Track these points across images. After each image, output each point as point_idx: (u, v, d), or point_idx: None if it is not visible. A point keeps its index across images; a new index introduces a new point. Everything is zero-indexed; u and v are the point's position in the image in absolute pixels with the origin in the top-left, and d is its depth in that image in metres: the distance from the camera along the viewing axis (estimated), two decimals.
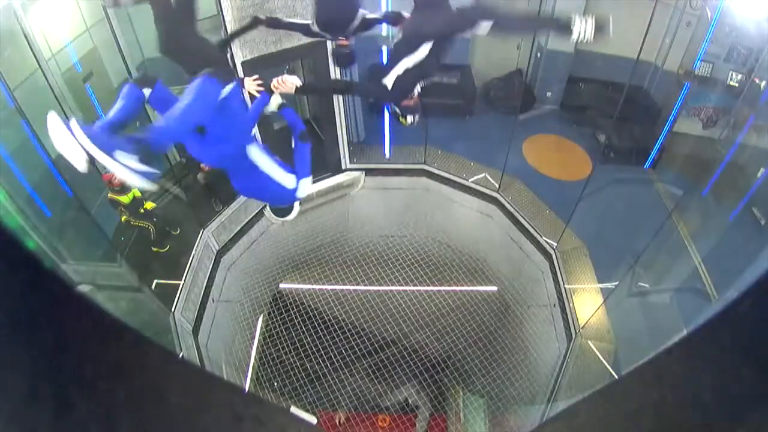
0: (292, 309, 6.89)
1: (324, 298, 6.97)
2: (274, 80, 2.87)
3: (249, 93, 3.01)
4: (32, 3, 4.60)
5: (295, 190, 3.02)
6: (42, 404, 0.31)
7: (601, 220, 6.37)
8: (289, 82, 2.85)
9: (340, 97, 6.29)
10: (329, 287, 7.01)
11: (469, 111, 8.40)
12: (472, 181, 6.91)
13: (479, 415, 6.06)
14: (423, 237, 7.37)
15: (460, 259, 7.24)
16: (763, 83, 6.75)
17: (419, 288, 6.89)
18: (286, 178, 2.97)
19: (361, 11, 3.41)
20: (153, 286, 5.25)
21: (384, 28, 6.10)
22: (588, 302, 5.54)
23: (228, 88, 2.49)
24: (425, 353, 6.55)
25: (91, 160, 1.93)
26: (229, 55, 5.25)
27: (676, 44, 7.51)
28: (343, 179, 6.96)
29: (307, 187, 3.09)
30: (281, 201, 3.20)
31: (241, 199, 6.26)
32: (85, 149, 1.88)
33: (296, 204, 3.25)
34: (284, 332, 6.63)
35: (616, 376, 4.27)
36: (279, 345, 6.51)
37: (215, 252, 6.08)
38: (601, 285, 5.66)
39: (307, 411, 6.11)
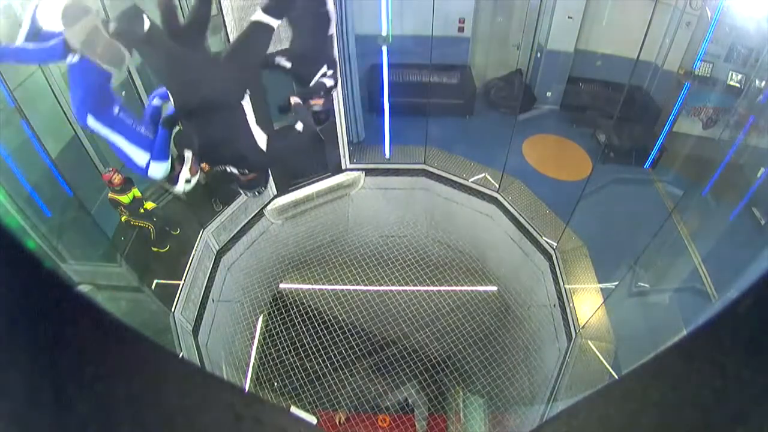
0: (292, 309, 6.89)
1: (324, 298, 6.97)
2: None
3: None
4: (32, 3, 4.59)
5: (146, 168, 3.16)
6: (42, 405, 0.31)
7: (601, 220, 6.37)
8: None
9: (340, 97, 6.30)
10: (329, 287, 7.01)
11: (469, 111, 8.40)
12: (472, 181, 6.91)
13: (479, 415, 6.06)
14: (423, 237, 7.37)
15: (460, 259, 7.24)
16: (763, 83, 6.75)
17: (419, 288, 6.89)
18: (136, 155, 3.13)
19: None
20: (153, 286, 5.25)
21: (384, 28, 6.11)
22: (588, 302, 5.54)
23: (71, 59, 2.83)
24: (425, 353, 6.55)
25: None
26: None
27: (676, 44, 7.51)
28: (343, 179, 6.96)
29: (157, 170, 3.19)
30: (140, 172, 3.28)
31: (241, 199, 6.26)
32: None
33: (181, 180, 3.29)
34: (284, 332, 6.63)
35: (616, 376, 4.27)
36: (279, 345, 6.51)
37: (215, 252, 6.08)
38: (601, 285, 5.65)
39: (307, 411, 6.11)
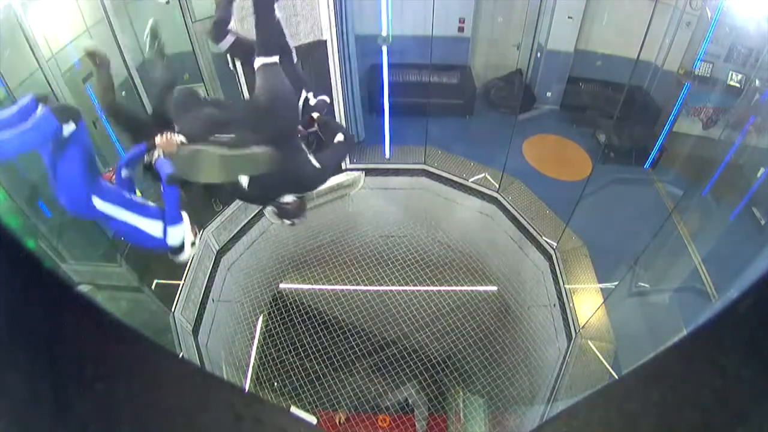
0: (292, 309, 6.89)
1: (324, 298, 6.97)
2: (159, 138, 2.69)
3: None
4: (32, 3, 4.60)
5: (164, 237, 2.78)
6: (42, 404, 0.31)
7: (601, 220, 6.37)
8: (175, 141, 2.67)
9: (340, 97, 6.30)
10: (329, 287, 7.02)
11: (469, 111, 8.40)
12: (472, 181, 6.91)
13: (479, 415, 6.06)
14: (423, 237, 7.37)
15: (460, 259, 7.24)
16: (761, 82, 6.75)
17: (419, 288, 6.89)
18: (150, 226, 2.75)
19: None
20: (153, 286, 5.25)
21: (384, 28, 6.11)
22: (588, 302, 5.54)
23: (69, 129, 2.32)
24: (425, 353, 6.55)
25: None
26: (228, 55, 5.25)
27: (676, 44, 7.51)
28: (343, 179, 6.96)
29: (176, 234, 2.82)
30: (157, 247, 2.88)
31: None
32: None
33: (187, 245, 2.91)
34: (284, 332, 6.63)
35: (616, 376, 4.27)
36: (279, 345, 6.51)
37: (215, 252, 6.08)
38: (601, 285, 5.66)
39: (307, 411, 6.11)
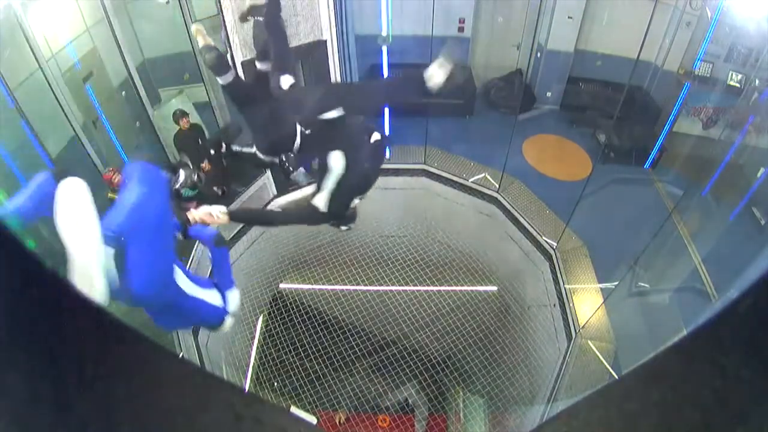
0: (292, 309, 6.89)
1: (324, 298, 6.97)
2: (202, 213, 2.48)
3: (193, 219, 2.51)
4: (32, 3, 4.60)
5: (224, 306, 2.57)
6: (42, 404, 0.31)
7: (601, 220, 6.37)
8: (219, 216, 2.49)
9: None
10: (329, 287, 7.02)
11: (469, 111, 8.40)
12: (472, 181, 6.91)
13: (479, 415, 6.06)
14: (423, 237, 7.37)
15: (460, 259, 7.24)
16: (759, 82, 6.75)
17: (419, 288, 6.90)
18: (213, 297, 2.50)
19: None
20: None
21: (384, 28, 6.12)
22: (588, 302, 5.54)
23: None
24: (425, 353, 6.55)
25: None
26: (229, 55, 5.26)
27: (676, 44, 7.51)
28: None
29: (235, 299, 2.64)
30: (212, 322, 2.63)
31: (241, 198, 6.26)
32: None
33: (227, 317, 2.65)
34: (284, 332, 6.63)
35: (616, 376, 4.27)
36: (279, 345, 6.52)
37: None
38: (601, 285, 5.66)
39: (307, 411, 6.12)
